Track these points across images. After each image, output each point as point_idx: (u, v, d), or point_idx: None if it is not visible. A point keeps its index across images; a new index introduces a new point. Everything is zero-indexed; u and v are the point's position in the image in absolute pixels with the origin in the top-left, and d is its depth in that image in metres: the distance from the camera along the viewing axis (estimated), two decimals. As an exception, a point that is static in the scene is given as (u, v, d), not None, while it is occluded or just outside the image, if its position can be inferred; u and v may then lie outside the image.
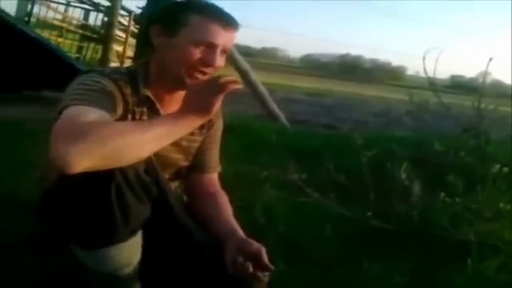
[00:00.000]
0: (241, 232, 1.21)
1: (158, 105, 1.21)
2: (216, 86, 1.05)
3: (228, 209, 1.32)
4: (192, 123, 1.07)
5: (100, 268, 1.06)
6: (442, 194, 2.27)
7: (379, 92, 20.10)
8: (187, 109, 1.06)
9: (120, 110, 1.12)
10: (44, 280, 1.39)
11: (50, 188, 0.98)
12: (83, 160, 0.87)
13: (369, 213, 2.20)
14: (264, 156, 3.29)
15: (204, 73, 1.15)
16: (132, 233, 1.03)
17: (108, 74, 1.15)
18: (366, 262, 1.91)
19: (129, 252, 1.06)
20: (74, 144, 0.87)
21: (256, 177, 2.73)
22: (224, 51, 1.17)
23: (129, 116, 1.16)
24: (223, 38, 1.15)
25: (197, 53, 1.14)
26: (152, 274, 1.17)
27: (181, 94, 1.20)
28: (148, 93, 1.19)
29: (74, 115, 0.97)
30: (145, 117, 1.19)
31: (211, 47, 1.14)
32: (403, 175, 2.45)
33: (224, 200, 1.35)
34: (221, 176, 1.44)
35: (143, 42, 4.35)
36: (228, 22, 1.16)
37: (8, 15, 4.68)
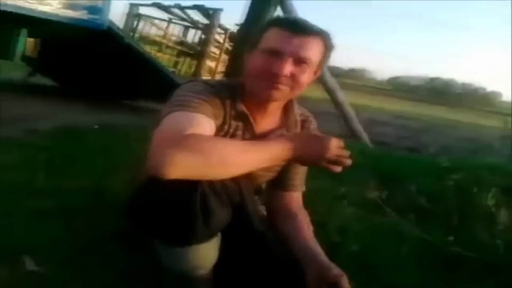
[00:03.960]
0: (323, 256, 1.17)
1: (252, 121, 1.22)
2: (335, 154, 1.09)
3: (309, 230, 1.28)
4: (288, 157, 1.08)
5: (175, 266, 1.08)
6: (532, 225, 2.14)
7: (470, 118, 18.92)
8: (295, 145, 1.07)
9: (219, 121, 1.15)
10: (131, 274, 1.46)
11: (141, 187, 1.01)
12: (179, 170, 0.90)
13: (450, 238, 2.13)
14: (344, 173, 3.26)
15: (276, 83, 1.12)
16: (210, 236, 1.04)
17: (212, 85, 1.18)
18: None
19: (205, 254, 1.07)
20: (174, 154, 0.90)
21: (334, 193, 2.71)
22: (300, 60, 1.12)
23: (225, 127, 1.18)
24: (289, 44, 1.10)
25: (264, 62, 1.12)
26: (225, 280, 1.16)
27: (271, 109, 1.23)
28: (244, 108, 1.21)
29: (178, 122, 1.00)
30: (239, 132, 1.21)
31: (277, 54, 1.11)
32: (491, 202, 2.33)
33: (305, 221, 1.31)
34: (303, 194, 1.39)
35: (237, 58, 4.51)
36: (296, 28, 1.11)
37: (119, 29, 4.95)
